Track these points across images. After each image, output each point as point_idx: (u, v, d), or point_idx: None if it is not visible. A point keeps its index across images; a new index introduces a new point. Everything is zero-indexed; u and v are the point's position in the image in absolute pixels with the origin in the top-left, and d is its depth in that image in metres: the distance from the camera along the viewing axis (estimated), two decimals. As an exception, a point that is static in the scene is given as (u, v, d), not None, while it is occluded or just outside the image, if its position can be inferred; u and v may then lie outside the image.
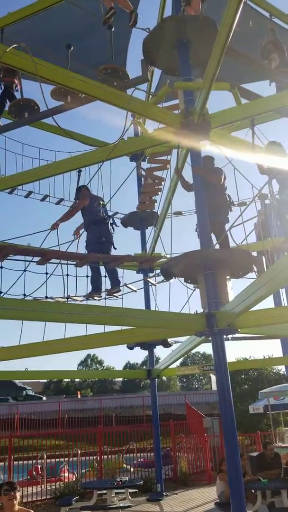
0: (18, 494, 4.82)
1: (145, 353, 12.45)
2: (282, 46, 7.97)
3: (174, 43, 7.26)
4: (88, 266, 7.82)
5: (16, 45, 5.22)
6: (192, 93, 6.96)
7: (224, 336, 6.15)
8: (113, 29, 7.86)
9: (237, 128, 7.49)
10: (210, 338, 6.12)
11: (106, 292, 7.74)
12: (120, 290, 7.79)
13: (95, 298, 7.74)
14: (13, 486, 4.84)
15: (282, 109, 6.90)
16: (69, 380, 63.60)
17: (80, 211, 8.15)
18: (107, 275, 7.81)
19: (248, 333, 7.98)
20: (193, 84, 7.01)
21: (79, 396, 41.65)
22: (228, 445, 5.71)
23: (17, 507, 4.76)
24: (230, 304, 5.92)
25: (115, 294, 7.75)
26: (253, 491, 8.09)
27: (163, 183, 10.23)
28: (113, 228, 8.05)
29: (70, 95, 7.67)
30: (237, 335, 6.95)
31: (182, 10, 7.32)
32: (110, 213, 8.48)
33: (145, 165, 11.73)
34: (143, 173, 11.76)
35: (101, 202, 8.28)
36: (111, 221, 8.08)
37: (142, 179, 11.92)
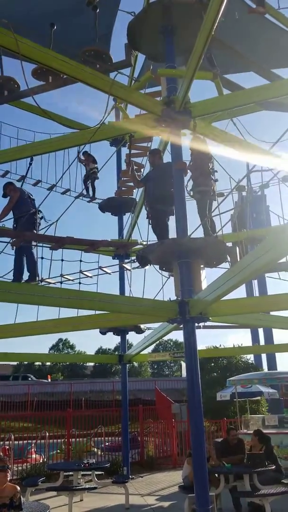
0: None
1: (117, 339, 12.52)
2: None
3: (159, 29, 7.21)
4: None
5: (-3, 20, 5.09)
6: (175, 80, 6.94)
7: (196, 324, 6.25)
8: (97, 11, 7.73)
9: (218, 119, 7.51)
10: (182, 326, 6.22)
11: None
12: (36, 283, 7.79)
13: None
14: (5, 462, 5.45)
15: (263, 101, 6.96)
16: (40, 363, 63.39)
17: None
18: (26, 265, 7.80)
19: (219, 321, 8.12)
20: (176, 71, 6.99)
21: (49, 380, 41.59)
22: (194, 431, 5.85)
23: (7, 481, 5.27)
24: (203, 292, 6.01)
25: None
26: (216, 475, 8.30)
27: (142, 170, 10.23)
28: (40, 222, 8.00)
29: (51, 75, 7.53)
30: (208, 323, 7.08)
31: (169, -5, 7.24)
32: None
33: (124, 150, 11.70)
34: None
35: (30, 196, 8.30)
36: (40, 215, 8.05)
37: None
